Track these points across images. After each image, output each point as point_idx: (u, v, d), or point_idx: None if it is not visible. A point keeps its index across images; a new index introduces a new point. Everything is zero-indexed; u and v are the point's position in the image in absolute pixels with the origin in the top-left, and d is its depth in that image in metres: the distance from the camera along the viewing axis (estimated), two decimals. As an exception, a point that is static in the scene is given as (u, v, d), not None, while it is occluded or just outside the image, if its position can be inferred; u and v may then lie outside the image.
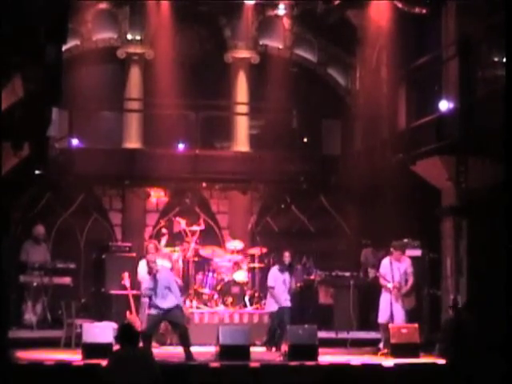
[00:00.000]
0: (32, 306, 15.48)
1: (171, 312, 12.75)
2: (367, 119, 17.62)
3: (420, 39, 15.40)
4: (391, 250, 13.95)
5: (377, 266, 14.43)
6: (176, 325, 12.95)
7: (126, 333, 8.49)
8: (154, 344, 13.54)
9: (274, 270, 14.47)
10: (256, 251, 16.50)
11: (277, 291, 14.25)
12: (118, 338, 8.50)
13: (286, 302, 14.24)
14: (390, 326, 13.41)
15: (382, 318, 13.79)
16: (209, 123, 18.15)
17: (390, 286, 13.76)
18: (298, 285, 15.78)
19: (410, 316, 13.82)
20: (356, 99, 18.57)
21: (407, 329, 13.29)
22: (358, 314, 15.65)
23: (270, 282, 14.41)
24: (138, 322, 14.34)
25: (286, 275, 14.37)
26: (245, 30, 18.45)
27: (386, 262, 14.04)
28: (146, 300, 14.47)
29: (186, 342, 12.75)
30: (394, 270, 13.84)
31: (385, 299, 13.84)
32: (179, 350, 13.04)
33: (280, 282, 14.29)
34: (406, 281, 13.85)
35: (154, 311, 12.80)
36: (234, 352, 12.54)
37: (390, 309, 13.69)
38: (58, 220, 17.45)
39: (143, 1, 17.89)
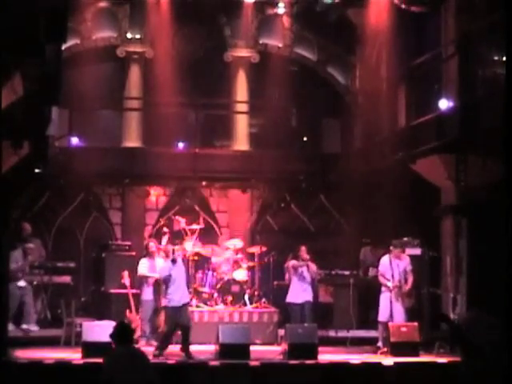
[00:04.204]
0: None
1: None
2: (367, 118, 17.60)
3: (420, 38, 15.39)
4: (391, 248, 13.94)
5: (376, 265, 14.42)
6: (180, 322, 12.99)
7: (121, 332, 8.49)
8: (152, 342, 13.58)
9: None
10: (256, 250, 16.48)
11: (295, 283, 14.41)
12: (114, 336, 8.49)
13: (306, 295, 14.39)
14: (390, 324, 13.40)
15: (383, 316, 13.77)
16: (208, 122, 18.16)
17: (389, 284, 13.75)
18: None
19: (410, 315, 13.82)
20: (356, 98, 18.55)
21: (407, 327, 13.26)
22: (357, 313, 15.64)
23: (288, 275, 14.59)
24: (138, 321, 14.34)
25: (303, 268, 14.45)
26: (244, 29, 18.42)
27: (385, 260, 14.00)
28: (146, 299, 14.48)
29: (186, 340, 12.78)
30: (394, 268, 13.81)
31: (385, 298, 13.82)
32: (179, 348, 13.05)
33: (298, 274, 14.40)
34: (406, 279, 13.85)
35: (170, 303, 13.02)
36: (233, 351, 12.53)
37: (390, 307, 13.68)
38: (58, 219, 17.47)
39: (143, -1, 17.91)
